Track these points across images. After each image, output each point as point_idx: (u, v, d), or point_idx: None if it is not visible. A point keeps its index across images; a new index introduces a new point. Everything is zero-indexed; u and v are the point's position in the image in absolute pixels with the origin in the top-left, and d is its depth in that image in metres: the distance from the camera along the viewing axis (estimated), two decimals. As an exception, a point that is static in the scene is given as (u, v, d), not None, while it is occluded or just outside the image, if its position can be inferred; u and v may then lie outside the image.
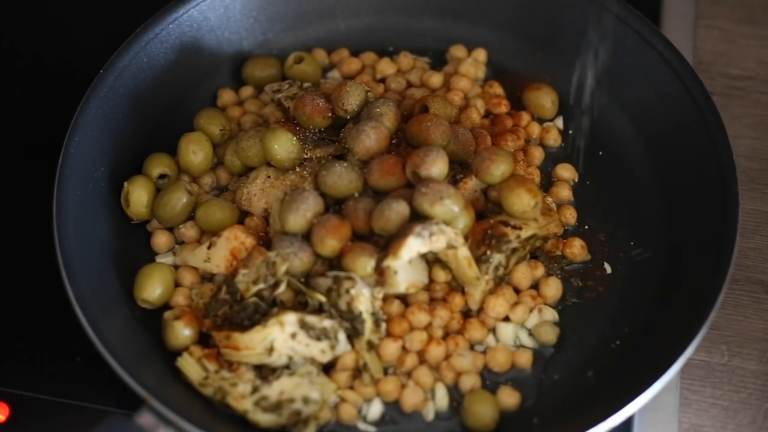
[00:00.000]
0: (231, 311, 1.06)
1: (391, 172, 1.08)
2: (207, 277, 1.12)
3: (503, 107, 1.24)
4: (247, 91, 1.26)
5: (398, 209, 1.04)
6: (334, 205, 1.11)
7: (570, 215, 1.17)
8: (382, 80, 1.28)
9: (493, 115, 1.24)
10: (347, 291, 1.02)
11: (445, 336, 1.08)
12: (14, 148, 1.29)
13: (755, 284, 1.19)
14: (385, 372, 1.06)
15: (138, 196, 1.13)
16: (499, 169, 1.10)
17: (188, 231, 1.14)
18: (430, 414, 1.05)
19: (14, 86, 1.35)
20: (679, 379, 1.12)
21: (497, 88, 1.26)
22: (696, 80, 1.16)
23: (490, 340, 1.09)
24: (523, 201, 1.08)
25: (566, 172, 1.21)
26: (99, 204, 1.12)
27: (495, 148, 1.13)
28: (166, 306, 1.10)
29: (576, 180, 1.21)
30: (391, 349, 1.05)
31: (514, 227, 1.09)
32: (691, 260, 1.09)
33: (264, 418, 1.01)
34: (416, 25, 1.31)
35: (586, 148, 1.23)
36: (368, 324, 1.03)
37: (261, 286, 1.05)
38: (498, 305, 1.08)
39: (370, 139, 1.11)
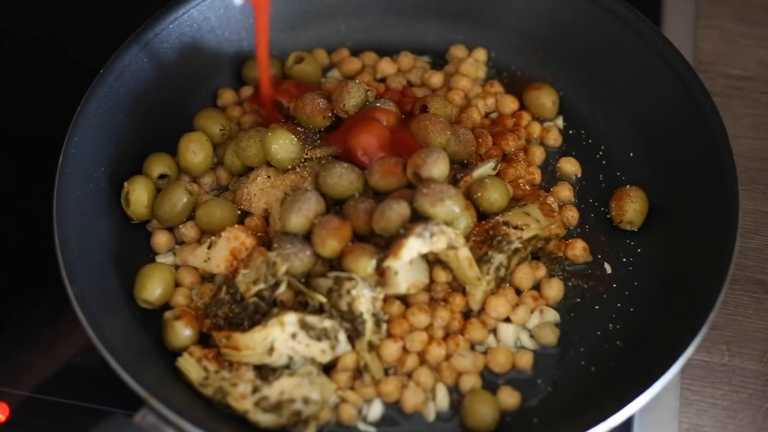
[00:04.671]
0: (231, 311, 1.06)
1: (392, 173, 1.08)
2: (207, 277, 1.12)
3: (511, 104, 1.24)
4: (247, 91, 1.26)
5: (399, 210, 1.04)
6: (334, 205, 1.11)
7: (572, 216, 1.17)
8: (383, 80, 1.28)
9: (497, 114, 1.24)
10: (348, 292, 1.02)
11: (446, 336, 1.08)
12: (14, 148, 1.29)
13: (755, 284, 1.19)
14: (386, 372, 1.06)
15: (138, 196, 1.13)
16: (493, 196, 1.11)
17: (188, 231, 1.14)
18: (430, 414, 1.05)
19: (14, 86, 1.35)
20: (679, 379, 1.12)
21: (498, 87, 1.26)
22: (696, 80, 1.16)
23: (491, 340, 1.09)
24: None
25: (570, 166, 1.21)
26: (99, 204, 1.12)
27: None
28: (166, 306, 1.10)
29: (579, 174, 1.21)
30: (391, 349, 1.05)
31: (516, 228, 1.09)
32: (691, 260, 1.09)
33: (264, 419, 1.01)
34: (416, 25, 1.31)
35: (585, 147, 1.24)
36: (369, 324, 1.03)
37: (261, 286, 1.05)
38: (499, 306, 1.08)
39: (370, 139, 1.11)
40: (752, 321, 1.17)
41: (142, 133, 1.18)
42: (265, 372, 1.03)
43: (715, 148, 1.11)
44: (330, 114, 1.16)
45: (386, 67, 1.28)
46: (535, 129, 1.23)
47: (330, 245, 1.05)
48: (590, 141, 1.24)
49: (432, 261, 1.08)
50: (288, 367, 1.04)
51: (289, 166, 1.13)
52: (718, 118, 1.13)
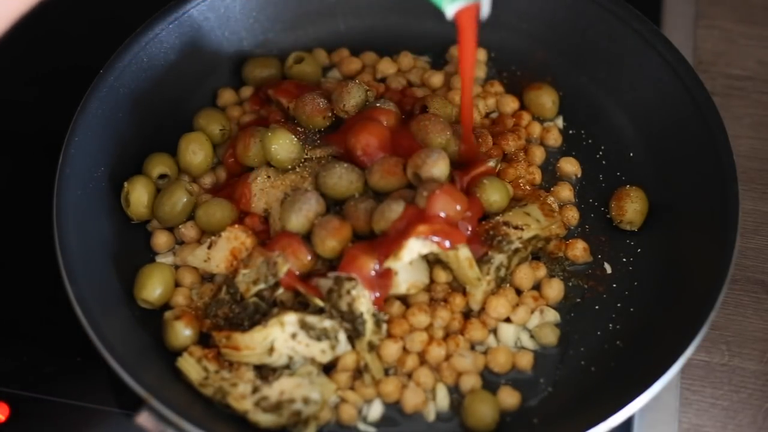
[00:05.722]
0: (231, 311, 1.06)
1: (392, 173, 1.08)
2: (207, 277, 1.12)
3: (512, 104, 1.24)
4: (247, 91, 1.26)
5: (399, 210, 1.04)
6: (334, 205, 1.11)
7: (572, 216, 1.17)
8: (383, 80, 1.28)
9: (497, 114, 1.24)
10: (348, 292, 1.02)
11: (446, 336, 1.08)
12: (14, 148, 1.29)
13: (755, 284, 1.19)
14: (386, 373, 1.06)
15: (138, 196, 1.13)
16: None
17: (188, 231, 1.14)
18: (431, 415, 1.05)
19: (14, 86, 1.35)
20: (679, 379, 1.12)
21: (498, 87, 1.26)
22: (696, 80, 1.16)
23: (491, 340, 1.09)
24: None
25: (570, 166, 1.21)
26: (99, 204, 1.12)
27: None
28: (166, 306, 1.10)
29: (579, 174, 1.21)
30: (391, 349, 1.05)
31: (516, 228, 1.09)
32: (691, 260, 1.09)
33: (264, 419, 1.01)
34: (416, 25, 1.31)
35: (585, 147, 1.24)
36: (369, 325, 1.03)
37: (261, 286, 1.05)
38: (499, 306, 1.08)
39: (370, 139, 1.11)
40: (752, 321, 1.17)
41: (142, 133, 1.18)
42: (265, 372, 1.03)
43: (715, 148, 1.11)
44: (330, 114, 1.16)
45: (386, 67, 1.28)
46: (536, 129, 1.23)
47: (330, 245, 1.05)
48: (590, 141, 1.24)
49: (432, 261, 1.08)
50: (288, 367, 1.04)
51: (289, 166, 1.13)
52: (718, 118, 1.13)
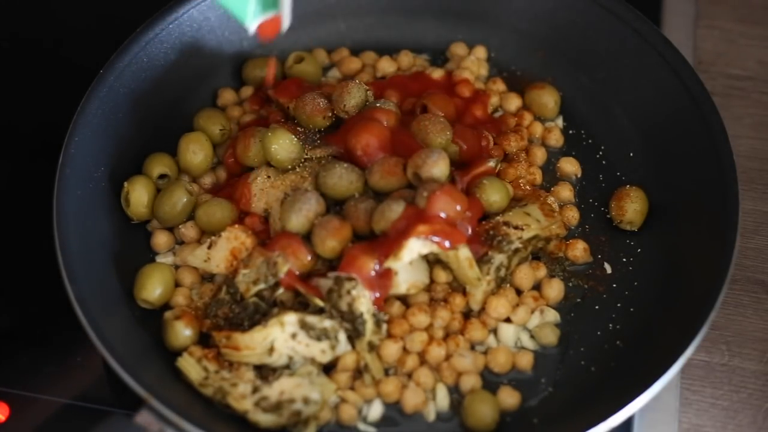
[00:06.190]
0: (231, 311, 1.06)
1: (392, 173, 1.08)
2: (207, 277, 1.12)
3: (516, 101, 1.24)
4: (247, 91, 1.26)
5: (399, 210, 1.04)
6: (334, 205, 1.11)
7: (572, 216, 1.17)
8: (383, 78, 1.28)
9: (501, 112, 1.24)
10: (348, 292, 1.02)
11: (446, 337, 1.08)
12: (14, 148, 1.29)
13: (755, 284, 1.19)
14: (386, 373, 1.06)
15: (138, 196, 1.13)
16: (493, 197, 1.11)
17: (188, 231, 1.14)
18: (431, 415, 1.05)
19: (14, 86, 1.35)
20: (679, 379, 1.12)
21: (500, 85, 1.26)
22: (696, 80, 1.16)
23: (491, 340, 1.09)
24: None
25: (570, 166, 1.21)
26: (99, 204, 1.12)
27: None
28: (166, 306, 1.10)
29: (579, 174, 1.21)
30: (391, 349, 1.05)
31: (516, 228, 1.09)
32: (691, 260, 1.09)
33: (264, 419, 1.01)
34: (417, 25, 1.31)
35: (585, 147, 1.24)
36: (369, 325, 1.03)
37: (261, 286, 1.05)
38: (500, 306, 1.08)
39: (371, 139, 1.11)
40: (752, 321, 1.17)
41: (142, 133, 1.18)
42: (265, 372, 1.03)
43: (715, 148, 1.11)
44: (330, 114, 1.16)
45: (386, 65, 1.28)
46: (537, 129, 1.23)
47: (330, 245, 1.05)
48: (590, 141, 1.24)
49: (432, 261, 1.08)
50: (288, 367, 1.04)
51: (289, 166, 1.13)
52: (718, 118, 1.13)
